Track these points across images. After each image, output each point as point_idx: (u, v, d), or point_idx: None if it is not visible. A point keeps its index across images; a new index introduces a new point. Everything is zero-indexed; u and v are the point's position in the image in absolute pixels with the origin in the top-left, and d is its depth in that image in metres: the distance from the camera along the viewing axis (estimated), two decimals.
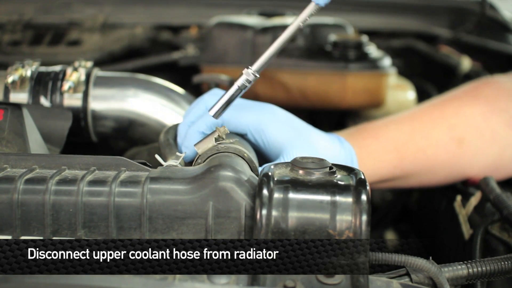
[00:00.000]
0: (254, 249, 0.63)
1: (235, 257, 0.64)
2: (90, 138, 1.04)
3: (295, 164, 0.68)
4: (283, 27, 1.49)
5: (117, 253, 0.66)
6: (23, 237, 0.67)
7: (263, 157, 0.89)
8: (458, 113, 1.01)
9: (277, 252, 0.64)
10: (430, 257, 0.67)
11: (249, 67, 0.79)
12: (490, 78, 1.09)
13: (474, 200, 1.00)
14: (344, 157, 0.91)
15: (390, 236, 1.53)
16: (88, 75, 1.02)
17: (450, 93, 1.08)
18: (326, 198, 0.64)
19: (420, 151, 0.98)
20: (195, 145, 0.80)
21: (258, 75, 0.79)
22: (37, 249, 0.66)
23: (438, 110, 1.03)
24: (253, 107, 0.88)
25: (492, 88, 1.04)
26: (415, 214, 1.43)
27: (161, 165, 0.77)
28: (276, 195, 0.64)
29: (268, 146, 0.87)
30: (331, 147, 0.91)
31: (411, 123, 1.01)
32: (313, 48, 1.49)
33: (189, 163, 0.83)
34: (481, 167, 1.01)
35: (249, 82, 0.79)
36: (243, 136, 0.88)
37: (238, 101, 0.90)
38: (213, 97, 0.89)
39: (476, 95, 1.03)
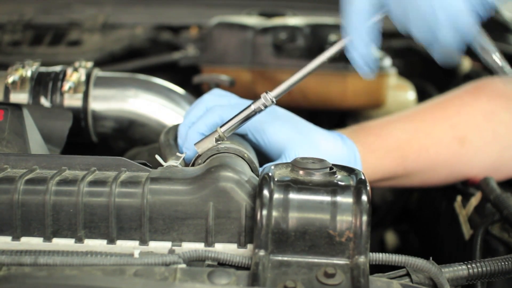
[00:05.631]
0: (255, 249, 0.64)
1: (236, 258, 0.64)
2: (90, 138, 1.04)
3: (295, 164, 0.68)
4: (283, 27, 1.51)
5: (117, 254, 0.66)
6: (23, 238, 0.67)
7: (264, 156, 0.89)
8: (460, 113, 1.01)
9: (278, 252, 0.64)
10: (431, 258, 0.67)
11: (268, 92, 0.79)
12: (490, 79, 1.09)
13: (474, 201, 1.00)
14: (347, 155, 0.91)
15: (390, 236, 1.53)
16: (88, 76, 1.02)
17: (451, 93, 1.08)
18: (327, 198, 0.64)
19: (423, 150, 0.98)
20: (195, 144, 0.80)
21: (275, 101, 0.79)
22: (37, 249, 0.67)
23: (440, 109, 1.03)
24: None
25: (493, 88, 1.04)
26: (415, 214, 1.43)
27: (162, 165, 0.77)
28: (277, 195, 0.64)
29: (269, 146, 0.87)
30: (333, 145, 0.90)
31: (414, 121, 1.01)
32: (313, 48, 1.49)
33: (189, 163, 0.82)
34: (481, 167, 1.01)
35: (265, 106, 0.79)
36: (243, 136, 0.88)
37: (238, 101, 0.90)
38: (214, 97, 0.89)
39: (477, 95, 1.04)
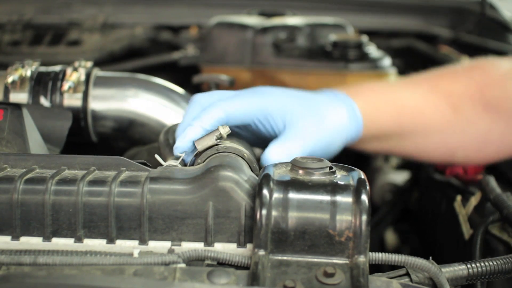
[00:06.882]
0: (254, 249, 0.63)
1: (235, 257, 0.64)
2: (90, 138, 1.04)
3: (295, 164, 0.68)
4: (283, 27, 1.51)
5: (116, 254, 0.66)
6: (23, 237, 0.67)
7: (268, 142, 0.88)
8: (454, 82, 1.03)
9: (277, 252, 0.64)
10: (430, 257, 0.67)
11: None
12: (487, 59, 1.10)
13: (474, 200, 1.00)
14: (346, 110, 0.92)
15: (390, 235, 1.53)
16: (88, 75, 1.02)
17: (448, 67, 1.10)
18: (326, 198, 0.64)
19: (418, 111, 1.00)
20: (195, 141, 0.79)
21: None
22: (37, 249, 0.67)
23: (436, 79, 1.05)
24: (252, 95, 0.87)
25: (490, 66, 1.06)
26: (415, 214, 1.43)
27: (161, 165, 0.77)
28: (276, 195, 0.64)
29: (277, 130, 0.87)
30: (330, 105, 0.91)
31: (409, 86, 1.04)
32: (313, 48, 1.49)
33: (188, 162, 0.82)
34: (472, 137, 1.02)
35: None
36: (246, 127, 0.87)
37: (230, 94, 0.88)
38: (206, 95, 0.87)
39: (472, 69, 1.06)
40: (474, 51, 1.65)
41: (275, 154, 0.82)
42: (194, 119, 0.83)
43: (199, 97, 0.87)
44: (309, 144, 0.85)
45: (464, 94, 1.02)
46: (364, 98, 0.97)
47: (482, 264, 0.70)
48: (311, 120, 0.87)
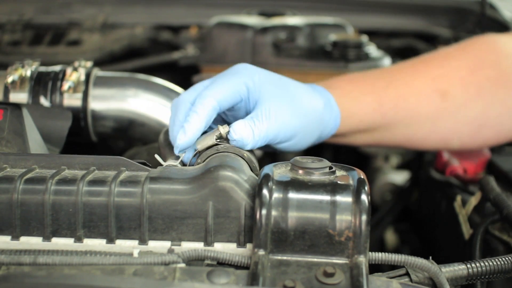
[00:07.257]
0: (254, 249, 0.63)
1: (235, 257, 0.64)
2: (90, 138, 1.04)
3: (295, 164, 0.68)
4: (283, 27, 1.51)
5: (116, 253, 0.66)
6: (22, 237, 0.67)
7: None
8: (443, 66, 0.99)
9: (277, 251, 0.64)
10: (430, 257, 0.67)
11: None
12: (484, 36, 1.05)
13: (474, 200, 1.00)
14: (322, 100, 0.88)
15: (390, 236, 1.53)
16: (88, 75, 1.02)
17: (442, 48, 1.06)
18: (326, 198, 0.64)
19: (401, 99, 0.96)
20: (195, 141, 0.79)
21: None
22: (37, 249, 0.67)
23: (422, 63, 1.01)
24: (233, 75, 0.84)
25: (484, 43, 1.02)
26: (415, 214, 1.43)
27: (161, 165, 0.77)
28: (276, 195, 0.64)
29: (251, 108, 0.84)
30: (308, 95, 0.88)
31: (392, 72, 1.00)
32: (313, 48, 1.49)
33: (188, 162, 0.82)
34: (465, 122, 0.98)
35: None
36: (237, 108, 0.85)
37: (211, 80, 0.85)
38: (188, 92, 0.85)
39: (465, 49, 1.01)
40: None
41: (239, 130, 0.79)
42: (188, 115, 0.80)
43: (185, 96, 0.84)
44: (275, 125, 0.81)
45: (453, 78, 0.97)
46: (341, 90, 0.93)
47: (482, 264, 0.70)
48: (282, 103, 0.83)
